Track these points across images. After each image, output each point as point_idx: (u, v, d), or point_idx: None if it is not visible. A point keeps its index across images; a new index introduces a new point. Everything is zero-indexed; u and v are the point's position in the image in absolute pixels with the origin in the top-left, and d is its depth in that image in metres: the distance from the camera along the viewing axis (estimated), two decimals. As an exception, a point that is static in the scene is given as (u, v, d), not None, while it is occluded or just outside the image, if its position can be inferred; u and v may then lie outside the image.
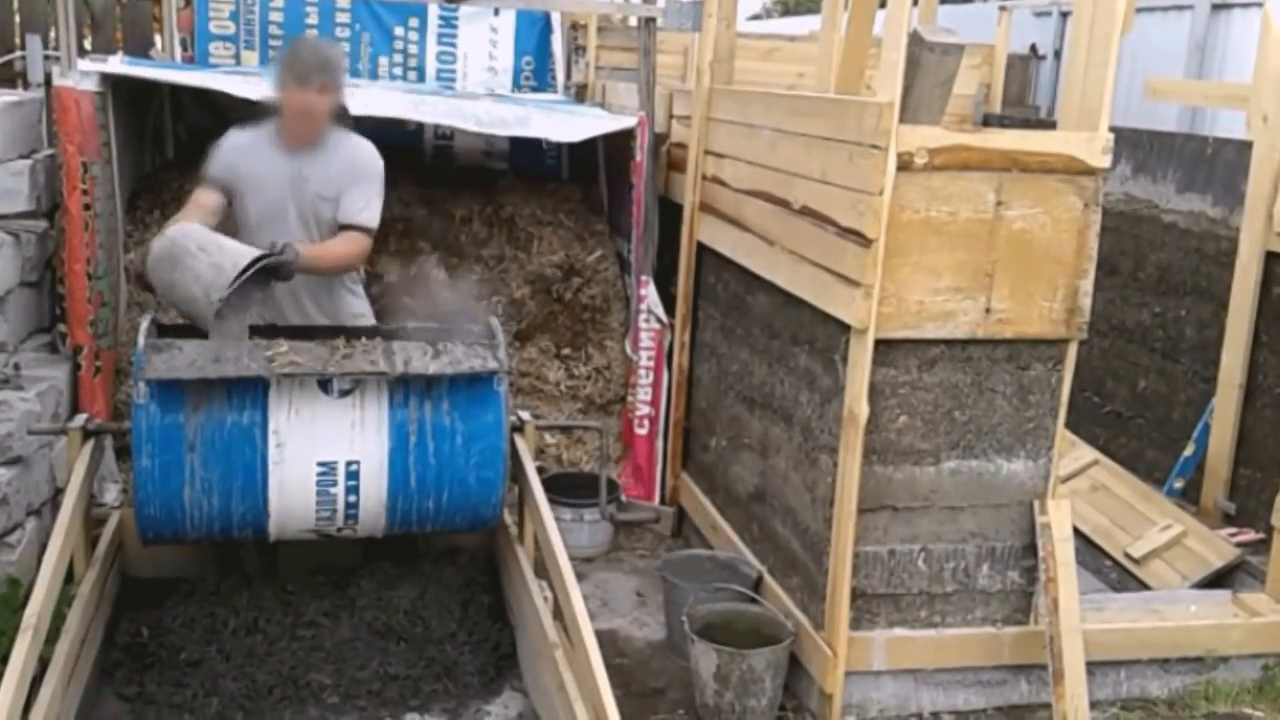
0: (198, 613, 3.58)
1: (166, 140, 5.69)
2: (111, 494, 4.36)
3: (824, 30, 4.74)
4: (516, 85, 5.99)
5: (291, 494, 3.40)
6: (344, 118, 3.91)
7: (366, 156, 3.86)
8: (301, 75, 3.71)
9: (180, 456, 3.31)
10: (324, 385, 3.43)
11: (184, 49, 5.91)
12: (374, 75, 5.79)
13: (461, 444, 3.51)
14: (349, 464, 3.41)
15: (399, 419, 3.46)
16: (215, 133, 5.57)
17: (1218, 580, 4.29)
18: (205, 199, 3.80)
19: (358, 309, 4.04)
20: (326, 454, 3.41)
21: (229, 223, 3.83)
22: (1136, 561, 4.54)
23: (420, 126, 5.68)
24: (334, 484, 3.41)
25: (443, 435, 3.49)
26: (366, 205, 3.82)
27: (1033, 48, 8.57)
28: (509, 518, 3.88)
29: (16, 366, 4.10)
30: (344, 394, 3.43)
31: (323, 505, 3.42)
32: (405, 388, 3.47)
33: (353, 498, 3.43)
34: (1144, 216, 5.44)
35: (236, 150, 3.84)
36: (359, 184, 3.81)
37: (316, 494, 3.41)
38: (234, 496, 3.37)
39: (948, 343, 3.45)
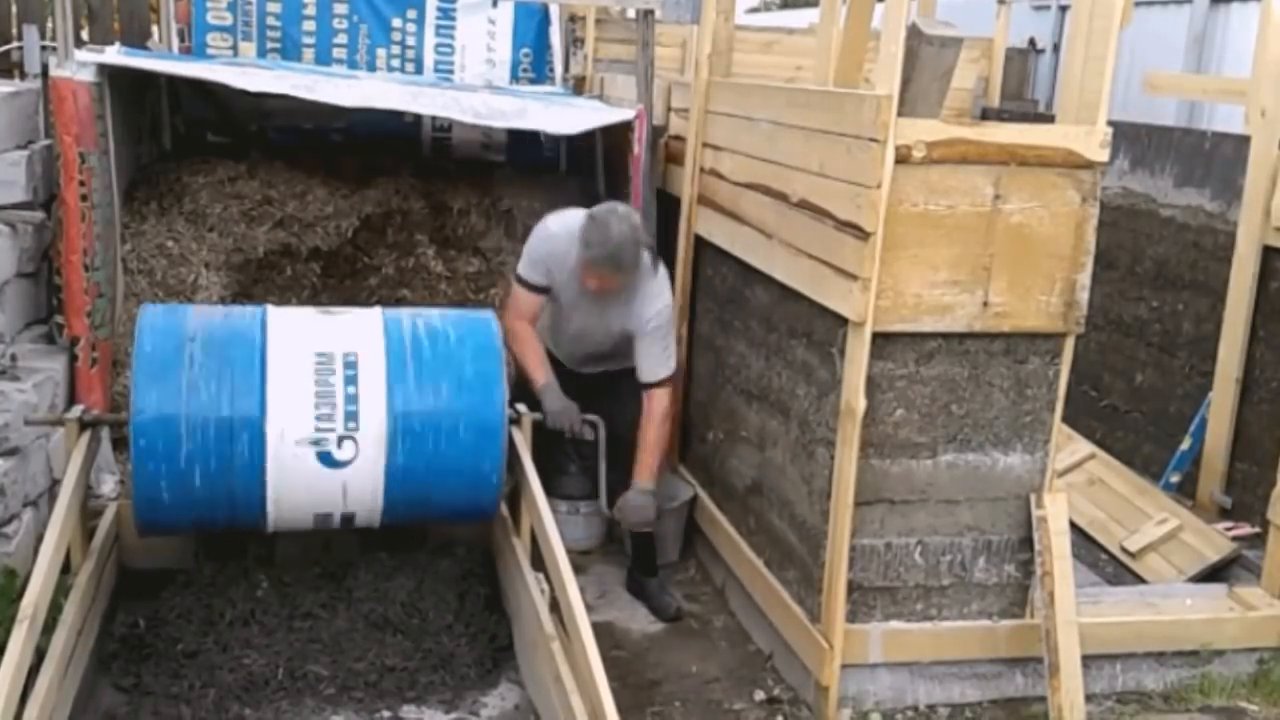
0: (194, 604, 3.58)
1: (164, 131, 5.68)
2: (108, 485, 4.36)
3: (822, 23, 4.74)
4: (514, 77, 5.99)
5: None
6: (652, 260, 4.08)
7: (657, 308, 4.07)
8: (590, 266, 3.94)
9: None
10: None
11: (181, 40, 5.89)
12: (372, 67, 5.78)
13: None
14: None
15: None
16: (213, 124, 5.57)
17: (1214, 574, 4.30)
18: (526, 302, 4.14)
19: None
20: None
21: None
22: (1132, 555, 4.55)
23: (418, 118, 5.67)
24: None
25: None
26: (660, 360, 4.10)
27: (1031, 41, 8.56)
28: (506, 510, 3.89)
29: (13, 357, 4.09)
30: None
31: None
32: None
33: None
34: (1142, 211, 5.44)
35: (556, 260, 4.07)
36: (651, 339, 4.08)
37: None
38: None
39: (945, 336, 3.45)
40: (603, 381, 4.28)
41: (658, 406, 4.11)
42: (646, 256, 4.02)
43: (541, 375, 4.12)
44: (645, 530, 4.26)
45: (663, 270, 4.18)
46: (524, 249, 4.20)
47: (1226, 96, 5.71)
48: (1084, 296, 3.48)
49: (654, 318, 4.07)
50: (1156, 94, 6.20)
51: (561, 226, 4.09)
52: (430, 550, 3.93)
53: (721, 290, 4.57)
